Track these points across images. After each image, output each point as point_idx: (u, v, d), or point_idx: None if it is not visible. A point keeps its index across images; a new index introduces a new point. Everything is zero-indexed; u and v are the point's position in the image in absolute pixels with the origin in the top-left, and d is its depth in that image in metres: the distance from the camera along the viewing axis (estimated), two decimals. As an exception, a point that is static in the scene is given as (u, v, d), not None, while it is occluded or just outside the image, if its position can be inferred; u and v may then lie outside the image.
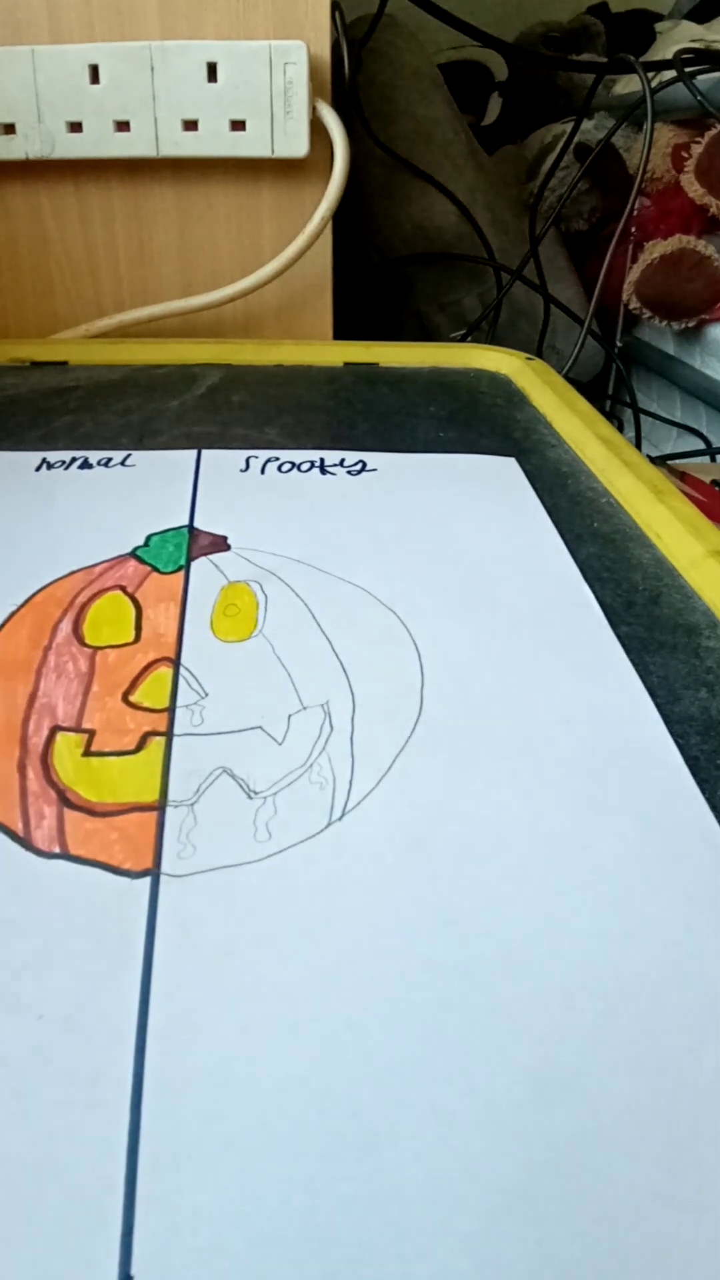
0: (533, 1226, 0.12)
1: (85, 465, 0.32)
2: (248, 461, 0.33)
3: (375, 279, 0.68)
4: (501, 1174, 0.12)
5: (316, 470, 0.33)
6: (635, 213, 0.66)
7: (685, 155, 0.65)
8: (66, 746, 0.19)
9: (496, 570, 0.27)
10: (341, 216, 0.48)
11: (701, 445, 0.70)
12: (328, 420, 0.38)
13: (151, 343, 0.46)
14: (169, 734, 0.20)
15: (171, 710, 0.21)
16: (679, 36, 0.70)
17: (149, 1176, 0.12)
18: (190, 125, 0.44)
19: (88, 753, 0.19)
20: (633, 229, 0.67)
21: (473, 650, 0.23)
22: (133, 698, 0.21)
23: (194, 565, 0.26)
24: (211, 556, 0.27)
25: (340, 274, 0.51)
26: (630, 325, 0.75)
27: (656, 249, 0.65)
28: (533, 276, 0.67)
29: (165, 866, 0.17)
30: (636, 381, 0.78)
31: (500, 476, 0.33)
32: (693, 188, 0.64)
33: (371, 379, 0.43)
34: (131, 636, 0.23)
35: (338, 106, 0.45)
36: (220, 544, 0.27)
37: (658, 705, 0.21)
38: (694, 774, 0.19)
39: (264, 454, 0.34)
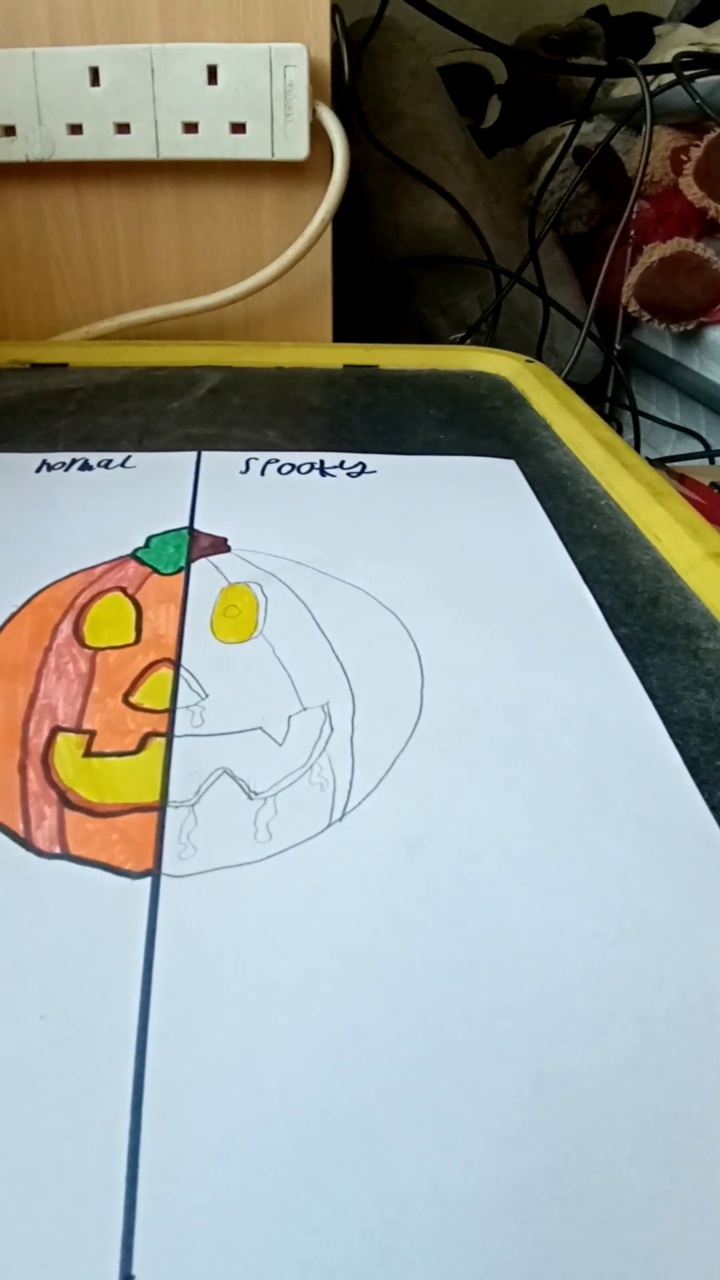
0: (533, 1226, 0.12)
1: (85, 467, 0.32)
2: (248, 463, 0.33)
3: (375, 281, 0.68)
4: (501, 1174, 0.12)
5: (316, 472, 0.33)
6: (634, 215, 0.66)
7: (684, 158, 0.65)
8: (67, 747, 0.19)
9: (496, 572, 0.27)
10: (341, 219, 0.48)
11: (700, 448, 0.70)
12: (327, 422, 0.38)
13: (152, 345, 0.47)
14: (169, 735, 0.20)
15: (172, 711, 0.21)
16: (678, 40, 0.71)
17: (150, 1176, 0.12)
18: (190, 128, 0.44)
19: (88, 753, 0.19)
20: (632, 232, 0.67)
21: (472, 651, 0.23)
22: (133, 699, 0.21)
23: (194, 567, 0.26)
24: (212, 558, 0.27)
25: (340, 276, 0.51)
26: (629, 328, 0.75)
27: (655, 252, 0.65)
28: (532, 279, 0.67)
29: (166, 867, 0.17)
30: (635, 384, 0.78)
31: (499, 479, 0.33)
32: (691, 191, 0.65)
33: (371, 381, 0.43)
34: (132, 638, 0.23)
35: (337, 109, 0.45)
36: (220, 545, 0.27)
37: (657, 707, 0.21)
38: (693, 775, 0.19)
39: (264, 456, 0.34)
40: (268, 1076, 0.13)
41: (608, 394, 0.73)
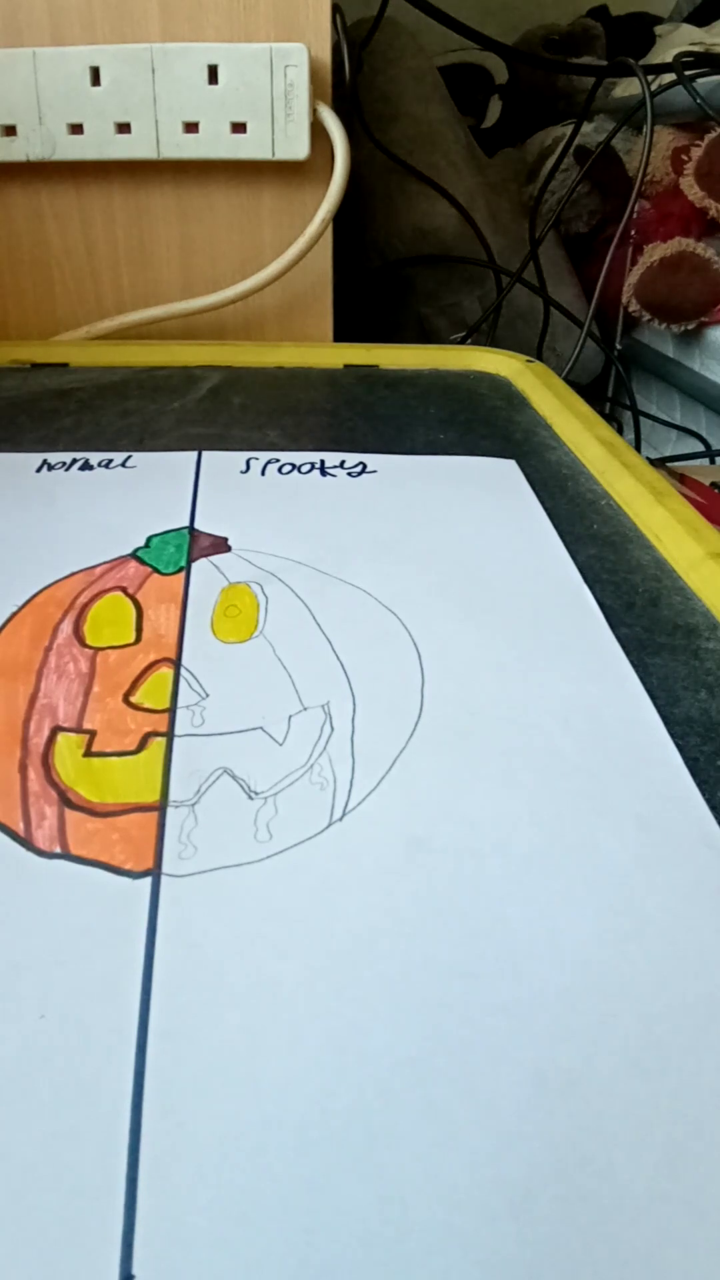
0: (533, 1226, 0.12)
1: (86, 467, 0.32)
2: (248, 463, 0.33)
3: (375, 281, 0.68)
4: (501, 1174, 0.12)
5: (317, 472, 0.33)
6: (635, 215, 0.66)
7: (685, 158, 0.65)
8: (67, 747, 0.19)
9: (496, 572, 0.27)
10: (342, 219, 0.48)
11: (701, 447, 0.70)
12: (328, 422, 0.38)
13: (152, 344, 0.47)
14: (170, 734, 0.20)
15: (172, 711, 0.21)
16: (679, 39, 0.71)
17: (150, 1176, 0.12)
18: (191, 127, 0.44)
19: (89, 753, 0.19)
20: (632, 232, 0.67)
21: (473, 651, 0.23)
22: (133, 698, 0.21)
23: (194, 566, 0.26)
24: (212, 558, 0.27)
25: (340, 276, 0.51)
26: (630, 328, 0.75)
27: (656, 252, 0.65)
28: (532, 279, 0.67)
29: (166, 867, 0.17)
30: (636, 384, 0.78)
31: (500, 478, 0.33)
32: (692, 190, 0.65)
33: (372, 381, 0.43)
34: (132, 637, 0.23)
35: (338, 109, 0.45)
36: (221, 545, 0.27)
37: (657, 707, 0.21)
38: (694, 775, 0.19)
39: (264, 455, 0.34)
40: (268, 1076, 0.13)
41: (608, 394, 0.73)
